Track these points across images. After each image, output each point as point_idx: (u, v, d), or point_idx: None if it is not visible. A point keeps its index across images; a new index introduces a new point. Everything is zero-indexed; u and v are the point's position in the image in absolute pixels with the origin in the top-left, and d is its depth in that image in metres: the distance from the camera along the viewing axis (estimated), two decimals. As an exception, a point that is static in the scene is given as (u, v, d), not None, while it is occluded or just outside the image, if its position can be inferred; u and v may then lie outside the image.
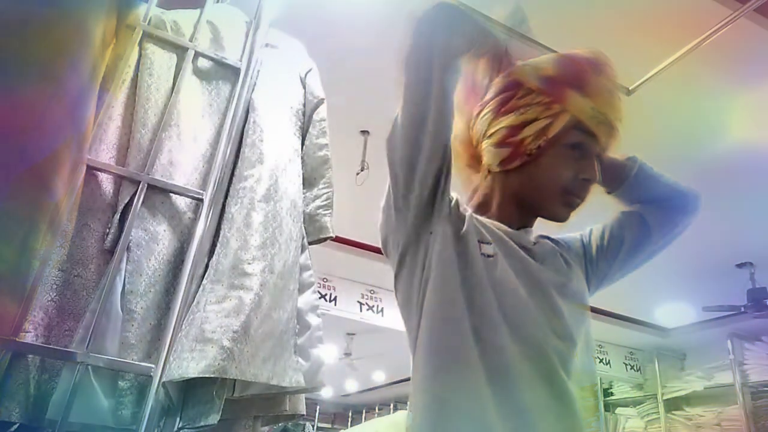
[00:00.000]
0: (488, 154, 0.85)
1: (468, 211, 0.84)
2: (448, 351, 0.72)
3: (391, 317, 3.73)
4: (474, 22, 0.80)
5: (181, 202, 1.17)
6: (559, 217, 0.83)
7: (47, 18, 0.75)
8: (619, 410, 4.51)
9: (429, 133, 0.73)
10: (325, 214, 1.41)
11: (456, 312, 0.73)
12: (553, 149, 0.79)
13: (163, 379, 0.98)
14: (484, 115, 0.86)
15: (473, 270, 0.75)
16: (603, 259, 0.92)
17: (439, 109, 0.73)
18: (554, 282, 0.80)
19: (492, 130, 0.84)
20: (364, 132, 2.71)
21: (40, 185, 0.74)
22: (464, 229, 0.78)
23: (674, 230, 0.91)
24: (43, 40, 0.74)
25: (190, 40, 1.29)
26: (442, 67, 0.73)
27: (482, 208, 0.88)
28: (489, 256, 0.77)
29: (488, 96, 0.86)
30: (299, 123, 1.41)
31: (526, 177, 0.82)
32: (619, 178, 0.91)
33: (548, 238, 0.92)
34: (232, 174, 1.24)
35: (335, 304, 3.48)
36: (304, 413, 1.27)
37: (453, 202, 0.81)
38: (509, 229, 0.83)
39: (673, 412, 4.11)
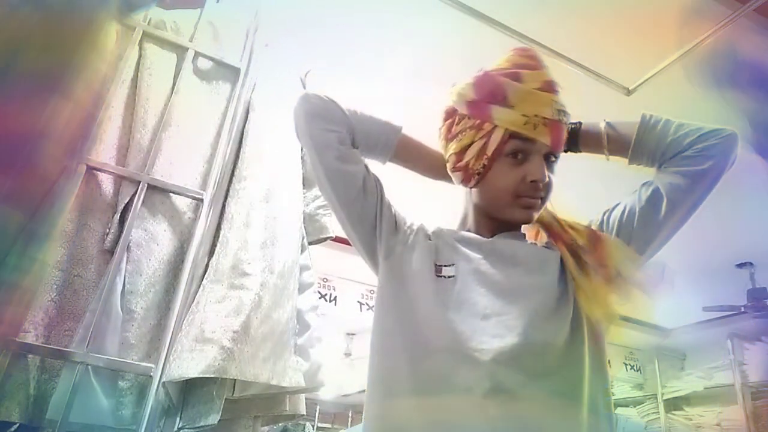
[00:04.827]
0: (452, 176, 0.91)
1: (434, 235, 0.90)
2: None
3: (391, 317, 3.69)
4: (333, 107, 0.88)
5: (181, 202, 1.17)
6: (521, 220, 0.87)
7: (52, 20, 0.74)
8: (619, 410, 4.51)
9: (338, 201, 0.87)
10: (324, 214, 1.41)
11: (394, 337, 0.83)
12: (497, 162, 0.84)
13: (163, 379, 0.98)
14: (440, 141, 0.92)
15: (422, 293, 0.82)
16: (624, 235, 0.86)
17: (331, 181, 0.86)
18: (524, 285, 0.81)
19: (446, 156, 0.90)
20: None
21: (39, 188, 0.74)
22: (413, 257, 0.85)
23: (700, 187, 0.82)
24: (48, 42, 0.74)
25: (190, 40, 1.29)
26: (318, 151, 0.86)
27: (464, 222, 0.94)
28: (449, 276, 0.82)
29: (439, 123, 0.92)
30: (299, 123, 1.41)
31: (482, 191, 0.88)
32: (625, 143, 0.87)
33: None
34: (232, 174, 1.24)
35: (335, 304, 3.46)
36: (304, 413, 1.27)
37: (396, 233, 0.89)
38: (481, 240, 0.87)
39: (673, 412, 4.09)
